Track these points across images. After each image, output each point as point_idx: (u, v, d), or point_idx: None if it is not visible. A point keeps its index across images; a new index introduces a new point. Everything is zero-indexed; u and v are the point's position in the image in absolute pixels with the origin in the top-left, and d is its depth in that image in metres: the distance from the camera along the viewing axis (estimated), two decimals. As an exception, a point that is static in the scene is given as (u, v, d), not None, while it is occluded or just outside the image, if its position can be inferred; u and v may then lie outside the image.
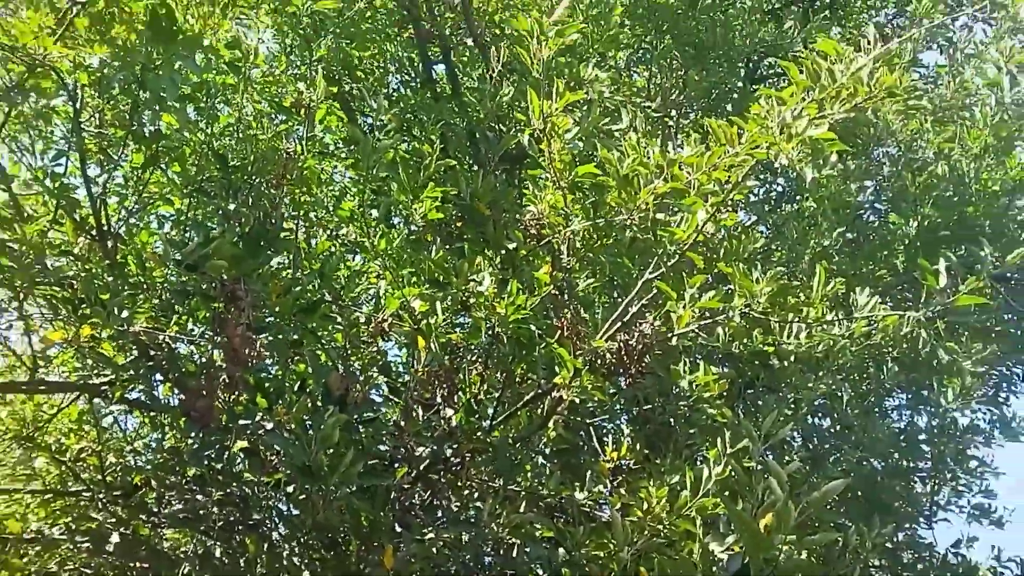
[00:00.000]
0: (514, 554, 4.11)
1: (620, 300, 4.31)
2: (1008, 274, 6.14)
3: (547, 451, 4.80)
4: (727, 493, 3.71)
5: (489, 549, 4.19)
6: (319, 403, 3.82)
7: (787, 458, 5.55)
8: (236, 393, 3.63)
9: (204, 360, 3.80)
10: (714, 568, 3.41)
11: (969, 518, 6.76)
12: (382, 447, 4.21)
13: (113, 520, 4.21)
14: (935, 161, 6.25)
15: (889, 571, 6.34)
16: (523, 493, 4.26)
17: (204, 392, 3.57)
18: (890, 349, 5.47)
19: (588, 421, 4.62)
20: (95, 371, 4.24)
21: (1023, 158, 6.20)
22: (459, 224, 4.69)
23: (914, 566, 6.58)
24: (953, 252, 5.77)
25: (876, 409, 6.33)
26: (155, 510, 4.24)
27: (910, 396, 6.63)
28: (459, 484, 4.33)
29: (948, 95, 6.59)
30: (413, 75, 6.26)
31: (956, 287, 3.94)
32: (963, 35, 7.87)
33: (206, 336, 3.84)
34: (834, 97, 3.74)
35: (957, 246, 6.02)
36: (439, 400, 4.13)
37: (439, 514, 4.31)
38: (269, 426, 3.70)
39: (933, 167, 6.23)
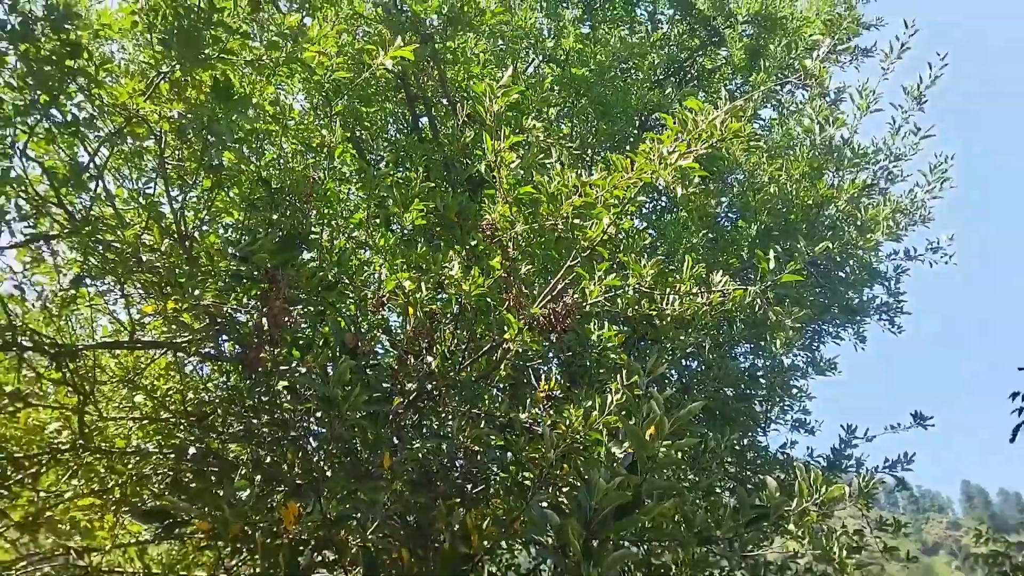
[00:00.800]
0: (477, 458, 4.08)
1: (550, 280, 4.27)
2: (817, 261, 6.18)
3: (500, 386, 4.76)
4: (623, 412, 3.70)
5: (459, 454, 4.15)
6: (337, 354, 3.75)
7: (666, 389, 5.56)
8: (277, 348, 3.54)
9: (254, 325, 3.70)
10: (615, 464, 3.39)
11: (791, 428, 6.84)
12: (383, 384, 4.15)
13: (191, 438, 4.12)
14: (769, 184, 6.28)
15: (736, 465, 6.39)
16: (482, 415, 4.22)
17: (254, 347, 3.48)
18: (738, 313, 5.49)
19: (528, 364, 4.58)
20: (177, 333, 4.13)
21: (829, 181, 6.24)
22: (437, 228, 4.62)
23: (754, 462, 6.64)
24: (780, 246, 5.83)
25: (728, 354, 6.35)
26: (221, 431, 4.14)
27: (751, 345, 6.67)
28: (438, 409, 4.29)
29: (778, 138, 6.62)
30: (405, 125, 6.16)
31: (781, 269, 3.94)
32: (788, 97, 7.92)
33: (255, 308, 3.74)
34: (697, 138, 3.73)
35: (784, 242, 6.06)
36: (423, 351, 4.07)
37: (424, 431, 4.27)
38: (303, 371, 3.64)
39: (767, 187, 6.25)
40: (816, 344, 7.10)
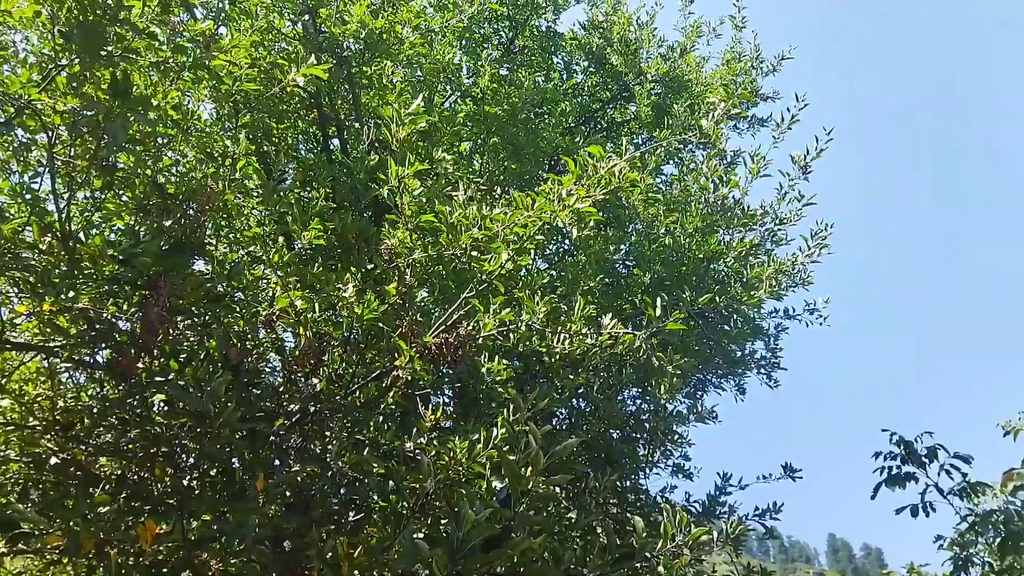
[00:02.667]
0: (357, 485, 3.96)
1: (445, 310, 4.22)
2: (705, 314, 6.36)
3: (389, 412, 4.65)
4: (507, 447, 3.67)
5: (341, 480, 4.02)
6: (219, 369, 3.59)
7: (551, 426, 5.56)
8: (152, 357, 3.36)
9: (130, 332, 3.50)
10: (493, 497, 3.34)
11: (672, 473, 6.94)
12: (266, 404, 3.99)
13: (55, 448, 3.83)
14: (665, 236, 6.44)
15: (617, 506, 6.42)
16: (366, 442, 4.10)
17: (128, 355, 3.28)
18: (627, 356, 5.57)
19: (419, 393, 4.50)
20: (51, 337, 3.86)
21: (720, 238, 6.45)
22: (337, 250, 4.51)
23: (635, 503, 6.69)
24: (671, 296, 5.97)
25: (615, 396, 6.42)
26: (89, 442, 3.88)
27: (638, 389, 6.76)
28: (324, 434, 4.15)
29: (676, 194, 6.82)
30: (315, 144, 6.05)
31: (667, 317, 4.03)
32: (689, 156, 8.20)
33: (135, 315, 3.54)
34: (596, 184, 3.79)
35: (674, 292, 6.21)
36: (310, 372, 3.94)
37: (306, 455, 4.11)
38: (181, 384, 3.46)
39: (663, 239, 6.41)
40: (699, 393, 7.27)
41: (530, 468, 2.74)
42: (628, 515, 6.55)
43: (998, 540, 6.53)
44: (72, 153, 4.08)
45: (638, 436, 6.40)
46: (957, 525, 6.94)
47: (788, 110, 6.01)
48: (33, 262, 3.69)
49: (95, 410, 4.02)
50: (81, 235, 4.07)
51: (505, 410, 3.76)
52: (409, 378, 4.07)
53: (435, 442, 4.02)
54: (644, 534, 2.98)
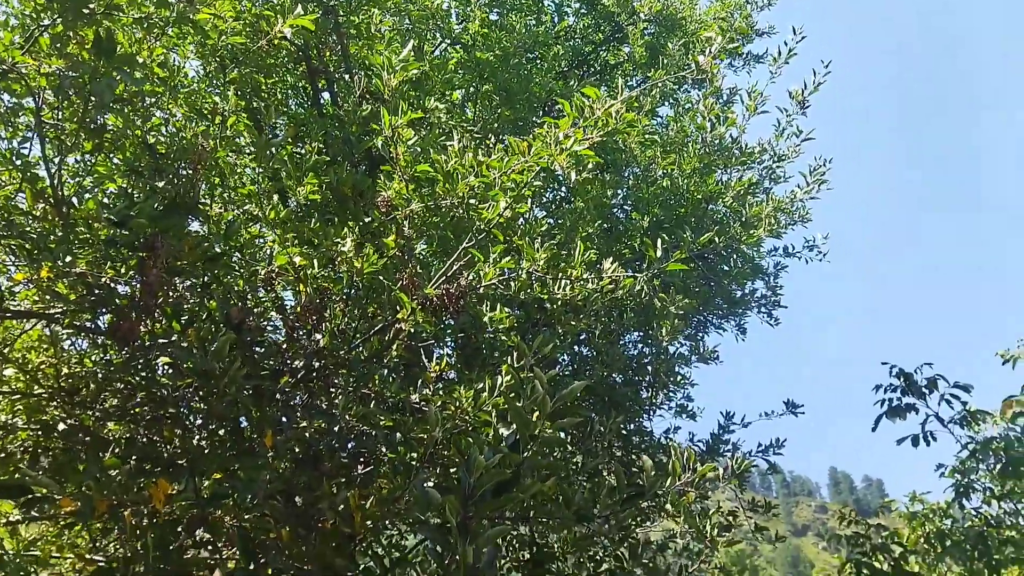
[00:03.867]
0: (364, 438, 3.97)
1: (445, 261, 4.19)
2: (704, 254, 6.34)
3: (392, 366, 4.65)
4: (512, 395, 3.67)
5: (349, 434, 4.03)
6: (221, 329, 3.57)
7: (557, 373, 5.58)
8: (152, 319, 3.33)
9: (132, 296, 3.47)
10: (501, 443, 3.35)
11: (675, 414, 7.00)
12: (270, 361, 3.98)
13: (62, 415, 3.83)
14: (662, 178, 6.37)
15: (622, 448, 6.48)
16: (372, 395, 4.10)
17: (128, 318, 3.26)
18: (627, 301, 5.55)
19: (422, 345, 4.49)
20: (51, 304, 3.83)
21: (718, 178, 6.39)
22: (332, 204, 4.45)
23: (639, 445, 6.76)
24: (670, 237, 5.93)
25: (617, 341, 6.43)
26: (95, 407, 3.88)
27: (640, 333, 6.77)
28: (328, 389, 4.15)
29: (672, 135, 6.72)
30: (305, 98, 5.93)
31: (668, 258, 4.00)
32: (684, 96, 8.07)
33: (133, 278, 3.50)
34: (593, 126, 3.72)
35: (673, 234, 6.17)
36: (312, 328, 3.93)
37: (312, 410, 4.12)
38: (184, 345, 3.44)
39: (661, 181, 6.35)
40: (700, 334, 7.30)
41: (537, 413, 2.74)
42: (634, 457, 6.63)
43: (999, 466, 6.62)
44: (60, 116, 4.00)
45: (640, 379, 6.43)
46: (958, 453, 7.02)
47: (785, 43, 5.88)
48: (28, 228, 3.65)
49: (100, 375, 4.02)
50: (74, 200, 4.02)
51: (509, 358, 3.76)
52: (412, 330, 4.05)
53: (440, 392, 4.03)
54: (652, 473, 3.00)
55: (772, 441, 6.67)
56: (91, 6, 3.62)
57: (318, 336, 3.85)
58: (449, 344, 5.40)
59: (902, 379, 7.02)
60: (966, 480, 7.02)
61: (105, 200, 4.41)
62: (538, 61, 7.19)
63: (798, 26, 5.79)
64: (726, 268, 6.72)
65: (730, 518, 5.20)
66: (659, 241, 4.01)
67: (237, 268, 3.91)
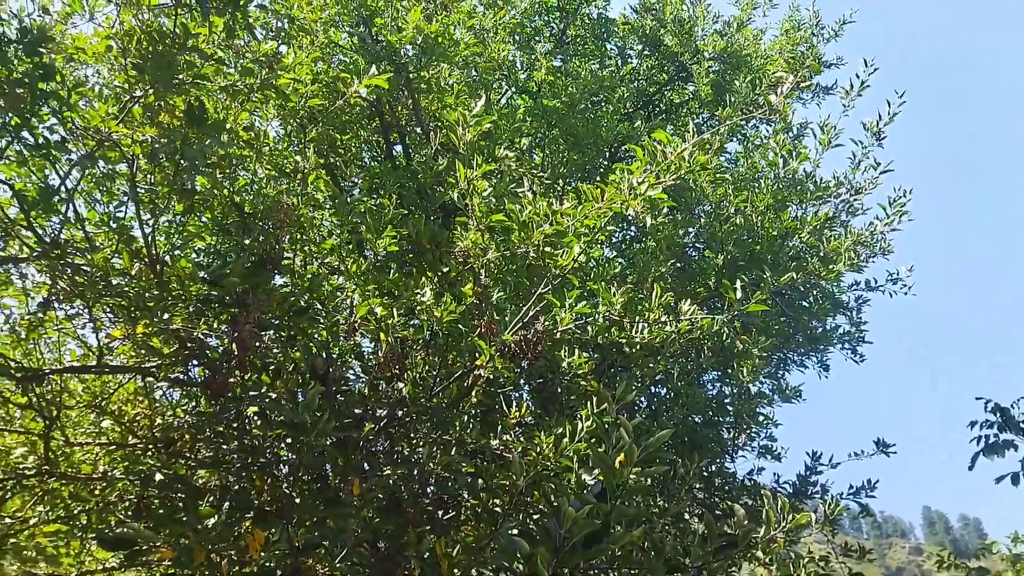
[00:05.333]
0: (447, 484, 4.00)
1: (522, 307, 4.23)
2: (783, 291, 6.22)
3: (471, 412, 4.69)
4: (593, 440, 3.66)
5: (430, 481, 4.07)
6: (307, 380, 3.68)
7: (635, 416, 5.53)
8: (245, 372, 3.46)
9: (223, 350, 3.61)
10: (584, 491, 3.33)
11: (758, 455, 6.81)
12: (354, 410, 4.07)
13: (158, 465, 3.99)
14: (735, 215, 6.31)
15: (705, 491, 6.34)
16: (453, 442, 4.14)
17: (222, 371, 3.39)
18: (705, 341, 5.49)
19: (500, 391, 4.52)
20: (146, 358, 4.02)
21: (793, 214, 6.29)
22: (409, 255, 4.57)
23: (722, 488, 6.60)
24: (747, 276, 5.85)
25: (696, 381, 6.34)
26: (189, 457, 4.02)
27: (719, 372, 6.66)
28: (410, 436, 4.21)
29: (743, 171, 6.67)
30: (379, 152, 6.13)
31: (748, 299, 3.95)
32: (753, 132, 8.01)
33: (225, 332, 3.65)
34: (665, 170, 3.74)
35: (750, 272, 6.08)
36: (394, 377, 4.00)
37: (395, 457, 4.18)
38: (272, 396, 3.56)
39: (733, 219, 6.29)
40: (781, 372, 7.12)
41: (623, 460, 2.72)
42: (716, 500, 6.46)
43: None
44: (152, 180, 4.24)
45: (721, 420, 6.30)
46: (1062, 491, 6.62)
47: (857, 75, 5.80)
48: (126, 288, 3.85)
49: (192, 425, 4.18)
50: (167, 258, 4.24)
51: (588, 402, 3.75)
52: (490, 376, 4.09)
53: (520, 438, 4.04)
54: (744, 522, 2.93)
55: (864, 483, 6.43)
56: (180, 77, 3.85)
57: (400, 385, 3.92)
58: (525, 389, 5.42)
59: (998, 414, 6.70)
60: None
61: (196, 257, 4.64)
62: (603, 104, 7.26)
63: (869, 57, 5.71)
64: (806, 304, 6.58)
65: (822, 564, 5.03)
66: (737, 282, 3.97)
67: (320, 320, 4.03)
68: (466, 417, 4.39)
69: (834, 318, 6.92)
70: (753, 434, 6.56)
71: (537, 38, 7.81)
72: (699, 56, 7.61)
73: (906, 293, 6.69)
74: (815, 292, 6.53)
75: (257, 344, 3.54)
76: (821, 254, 5.98)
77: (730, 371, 6.30)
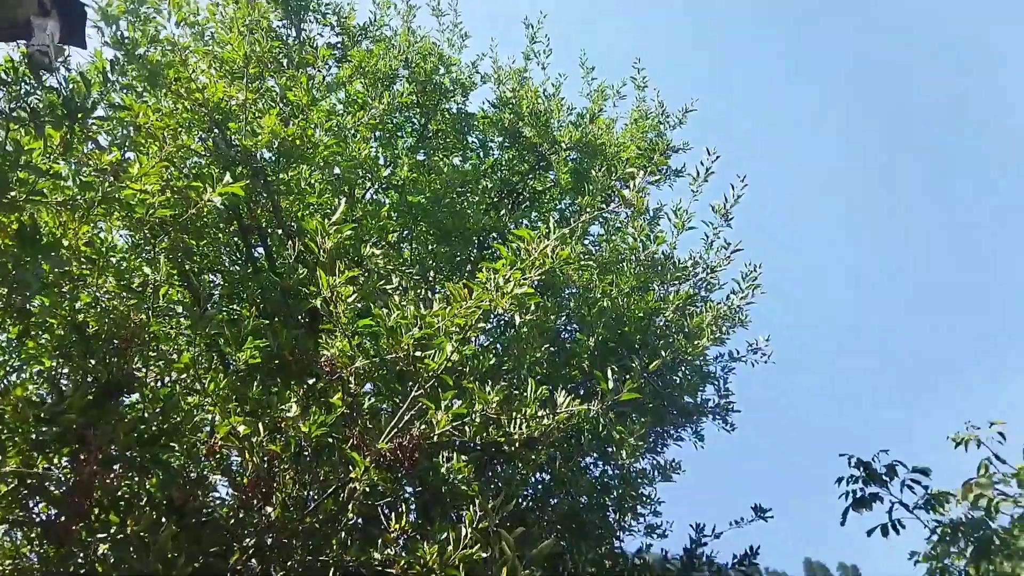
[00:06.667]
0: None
1: (396, 410, 4.09)
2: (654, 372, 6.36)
3: (349, 527, 4.44)
4: (478, 546, 3.53)
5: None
6: (164, 513, 3.36)
7: (518, 504, 5.41)
8: (89, 516, 3.12)
9: (65, 491, 3.25)
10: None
11: (645, 534, 6.82)
12: (222, 535, 3.75)
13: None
14: (602, 298, 6.44)
15: (596, 575, 6.25)
16: (331, 562, 3.88)
17: (64, 517, 3.04)
18: (585, 425, 5.50)
19: (377, 503, 4.32)
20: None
21: (657, 294, 6.49)
22: (274, 365, 4.35)
23: (613, 569, 6.53)
24: (618, 358, 5.95)
25: (578, 465, 6.31)
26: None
27: (599, 455, 6.66)
28: (284, 558, 3.91)
29: (606, 255, 6.86)
30: (239, 255, 5.89)
31: (620, 388, 3.98)
32: (613, 216, 8.30)
33: (67, 467, 3.30)
34: (531, 266, 3.76)
35: (621, 353, 6.20)
36: (261, 500, 3.73)
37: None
38: (122, 537, 3.22)
39: (601, 302, 6.41)
40: (660, 447, 7.22)
41: (506, 572, 2.61)
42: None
43: (970, 549, 6.57)
44: (-19, 304, 3.86)
45: (606, 501, 6.28)
46: (928, 538, 6.96)
47: (702, 163, 6.16)
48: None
49: (38, 569, 3.71)
50: (2, 385, 3.83)
51: (471, 504, 3.63)
52: (367, 489, 3.90)
53: (403, 552, 3.84)
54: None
55: (747, 550, 6.56)
56: (12, 194, 3.56)
57: (268, 508, 3.66)
58: (406, 494, 5.20)
59: (862, 468, 7.03)
60: (940, 565, 6.94)
61: (35, 384, 4.22)
62: (468, 196, 7.35)
63: (711, 146, 6.09)
64: (676, 379, 6.74)
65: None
66: (609, 371, 4.00)
67: (176, 447, 3.72)
68: (343, 533, 4.14)
69: (704, 390, 7.12)
70: (638, 513, 6.57)
71: (399, 134, 7.87)
72: (557, 146, 7.88)
73: (766, 362, 7.00)
74: (683, 368, 6.71)
75: (106, 480, 3.21)
76: (686, 330, 6.18)
77: (610, 451, 6.33)
